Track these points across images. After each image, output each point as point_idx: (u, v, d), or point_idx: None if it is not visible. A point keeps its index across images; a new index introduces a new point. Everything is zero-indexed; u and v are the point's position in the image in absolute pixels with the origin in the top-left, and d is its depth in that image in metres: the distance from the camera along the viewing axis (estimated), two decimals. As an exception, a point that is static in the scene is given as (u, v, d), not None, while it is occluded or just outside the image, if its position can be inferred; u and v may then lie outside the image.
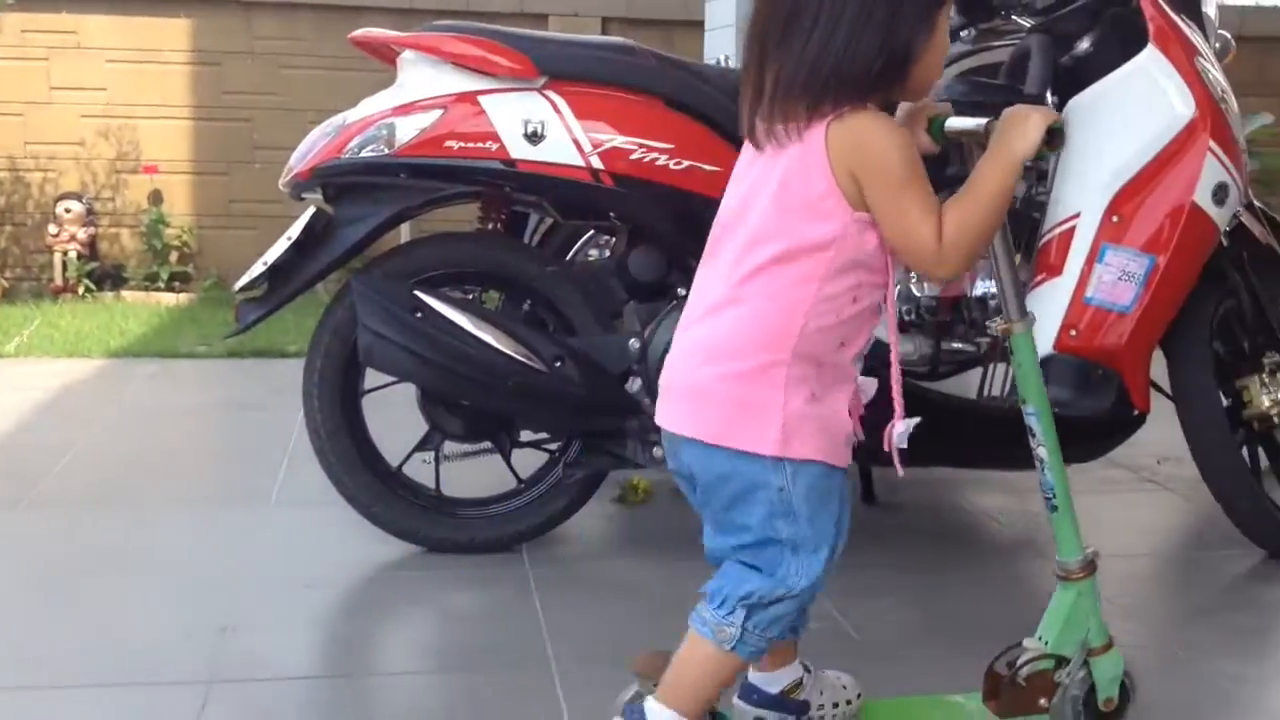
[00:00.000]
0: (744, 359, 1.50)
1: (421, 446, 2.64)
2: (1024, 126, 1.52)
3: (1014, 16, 2.79)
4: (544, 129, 2.42)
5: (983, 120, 1.60)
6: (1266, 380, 2.62)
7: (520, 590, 2.42)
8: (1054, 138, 1.53)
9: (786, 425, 1.50)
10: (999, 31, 3.04)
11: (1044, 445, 1.77)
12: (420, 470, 2.64)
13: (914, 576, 2.52)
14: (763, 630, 1.56)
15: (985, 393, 2.68)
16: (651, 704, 1.58)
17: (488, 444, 2.64)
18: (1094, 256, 2.55)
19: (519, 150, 2.41)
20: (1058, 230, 2.61)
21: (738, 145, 2.45)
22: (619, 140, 2.43)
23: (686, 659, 1.58)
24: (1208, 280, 2.61)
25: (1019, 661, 1.75)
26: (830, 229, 1.48)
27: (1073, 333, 2.55)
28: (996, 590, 2.46)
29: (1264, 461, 2.72)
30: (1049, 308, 2.58)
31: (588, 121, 2.43)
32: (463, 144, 2.41)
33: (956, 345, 2.83)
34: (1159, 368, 2.62)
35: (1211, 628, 2.28)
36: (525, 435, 2.68)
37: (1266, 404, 2.60)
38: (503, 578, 2.49)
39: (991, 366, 2.69)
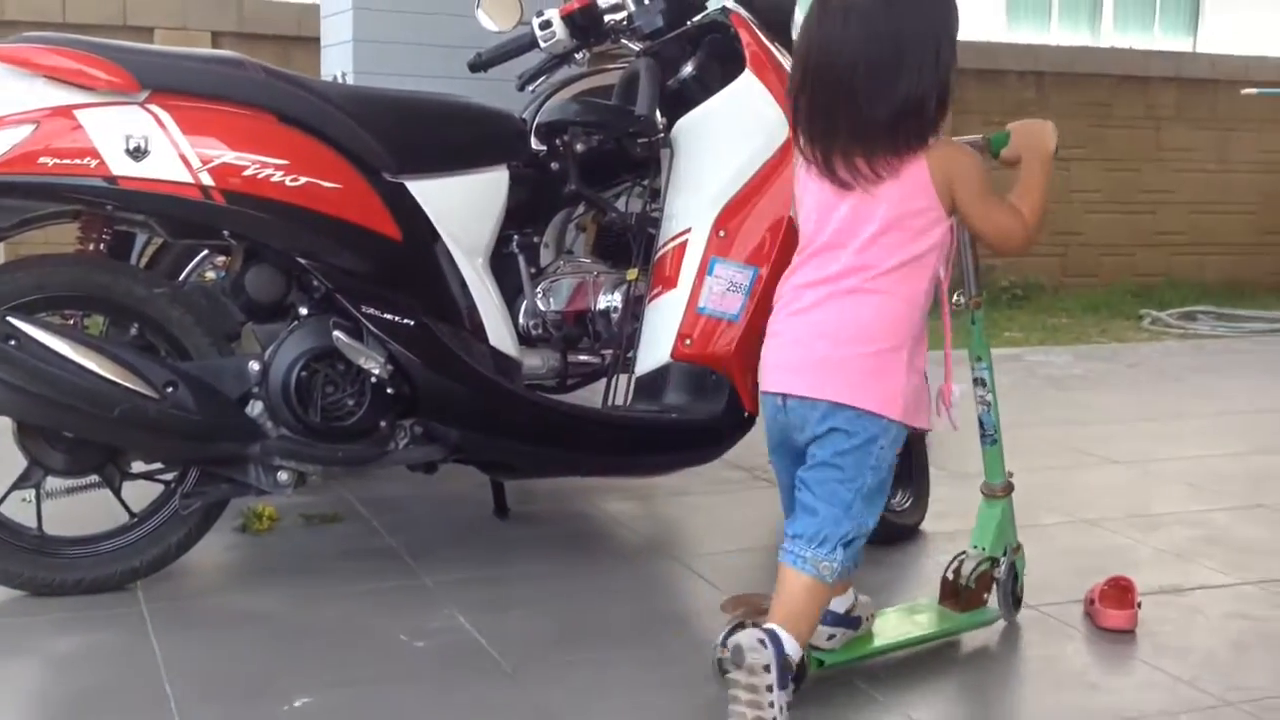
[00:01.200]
0: (873, 343, 1.89)
1: (20, 484, 2.44)
2: (1044, 132, 2.07)
3: (624, 41, 2.90)
4: (147, 144, 2.30)
5: (978, 136, 2.14)
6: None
7: (135, 630, 2.29)
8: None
9: (904, 395, 1.90)
10: (611, 55, 3.15)
11: (990, 393, 2.31)
12: (20, 510, 2.44)
13: (546, 585, 2.56)
14: (851, 561, 1.94)
15: (609, 403, 2.77)
16: (777, 628, 1.85)
17: (95, 478, 2.48)
18: (704, 269, 2.69)
19: (121, 167, 2.28)
20: (672, 245, 2.73)
21: (355, 161, 2.47)
22: (229, 156, 2.35)
23: (793, 593, 1.89)
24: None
25: (967, 568, 2.28)
26: (935, 236, 1.91)
27: (687, 341, 2.68)
28: (627, 593, 2.54)
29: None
30: (666, 319, 2.70)
31: (195, 137, 2.34)
32: (58, 160, 2.26)
33: (583, 358, 2.91)
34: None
35: (819, 613, 2.44)
36: (137, 466, 2.54)
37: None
38: (116, 618, 2.34)
39: (614, 378, 2.78)
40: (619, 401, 2.76)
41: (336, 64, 4.07)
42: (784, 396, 1.94)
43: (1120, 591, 2.39)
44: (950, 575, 2.29)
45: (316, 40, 4.40)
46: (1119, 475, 3.45)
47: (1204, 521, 3.05)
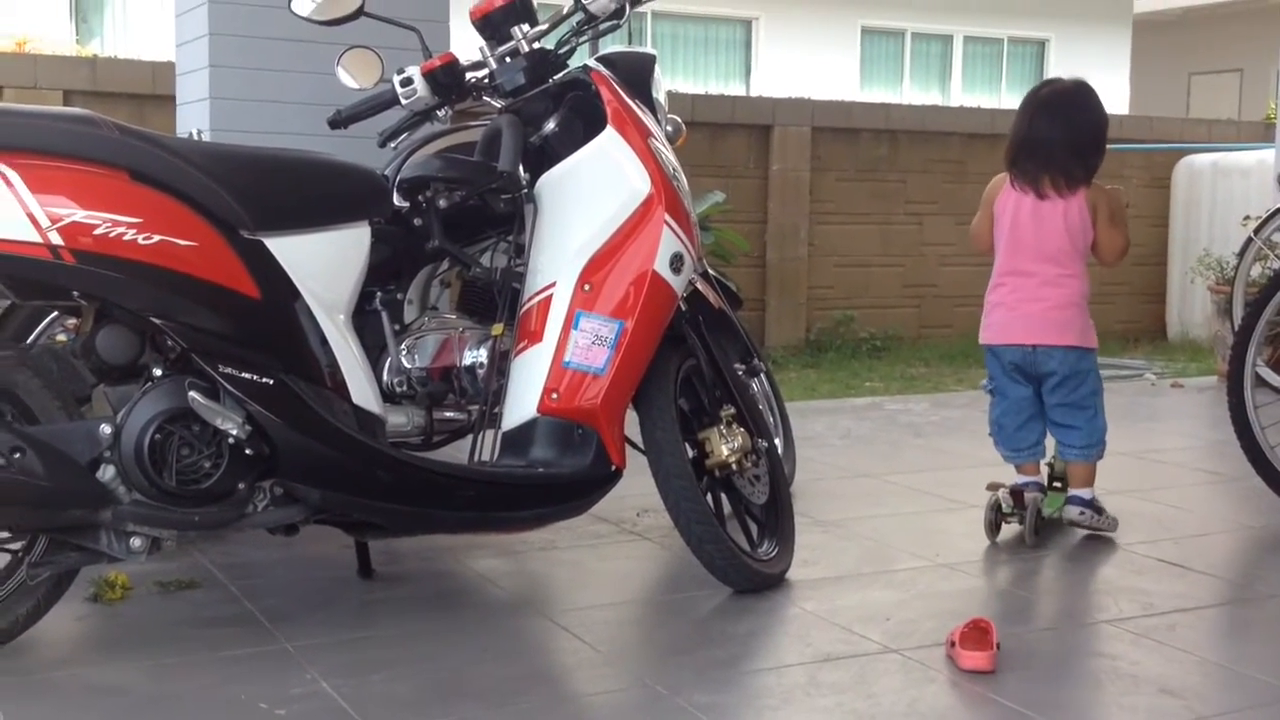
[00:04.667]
0: (1080, 306, 3.28)
1: None
2: (1114, 191, 3.33)
3: (486, 98, 2.91)
4: (-7, 203, 2.23)
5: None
6: (724, 431, 2.86)
7: (-20, 708, 2.19)
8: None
9: (1092, 331, 3.30)
10: (473, 113, 3.16)
11: None
12: None
13: (412, 646, 2.52)
14: (1097, 452, 3.36)
15: (476, 459, 2.75)
16: (1078, 491, 3.35)
17: (-64, 548, 2.38)
18: (570, 323, 2.70)
19: (-36, 227, 2.21)
20: (537, 299, 2.74)
21: (211, 218, 2.43)
22: (80, 215, 2.29)
23: (1078, 473, 3.35)
24: (670, 342, 2.83)
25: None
26: (1089, 242, 3.28)
27: (554, 396, 2.69)
28: (495, 652, 2.51)
29: (726, 506, 2.97)
30: (531, 373, 2.71)
31: (44, 195, 2.27)
32: (-104, 222, 2.18)
33: (449, 415, 2.89)
34: (632, 425, 2.81)
35: (685, 664, 2.44)
36: (-18, 536, 2.44)
37: (725, 453, 2.85)
38: (-41, 696, 2.24)
39: (481, 433, 2.77)
40: (485, 457, 2.75)
41: (192, 122, 4.00)
42: (1034, 346, 3.26)
43: (980, 633, 2.44)
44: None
45: (172, 98, 4.32)
46: (977, 519, 3.53)
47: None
